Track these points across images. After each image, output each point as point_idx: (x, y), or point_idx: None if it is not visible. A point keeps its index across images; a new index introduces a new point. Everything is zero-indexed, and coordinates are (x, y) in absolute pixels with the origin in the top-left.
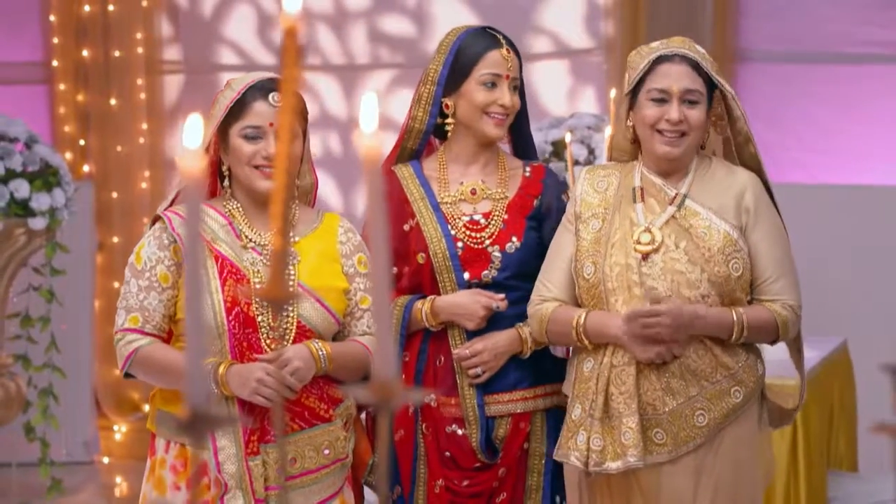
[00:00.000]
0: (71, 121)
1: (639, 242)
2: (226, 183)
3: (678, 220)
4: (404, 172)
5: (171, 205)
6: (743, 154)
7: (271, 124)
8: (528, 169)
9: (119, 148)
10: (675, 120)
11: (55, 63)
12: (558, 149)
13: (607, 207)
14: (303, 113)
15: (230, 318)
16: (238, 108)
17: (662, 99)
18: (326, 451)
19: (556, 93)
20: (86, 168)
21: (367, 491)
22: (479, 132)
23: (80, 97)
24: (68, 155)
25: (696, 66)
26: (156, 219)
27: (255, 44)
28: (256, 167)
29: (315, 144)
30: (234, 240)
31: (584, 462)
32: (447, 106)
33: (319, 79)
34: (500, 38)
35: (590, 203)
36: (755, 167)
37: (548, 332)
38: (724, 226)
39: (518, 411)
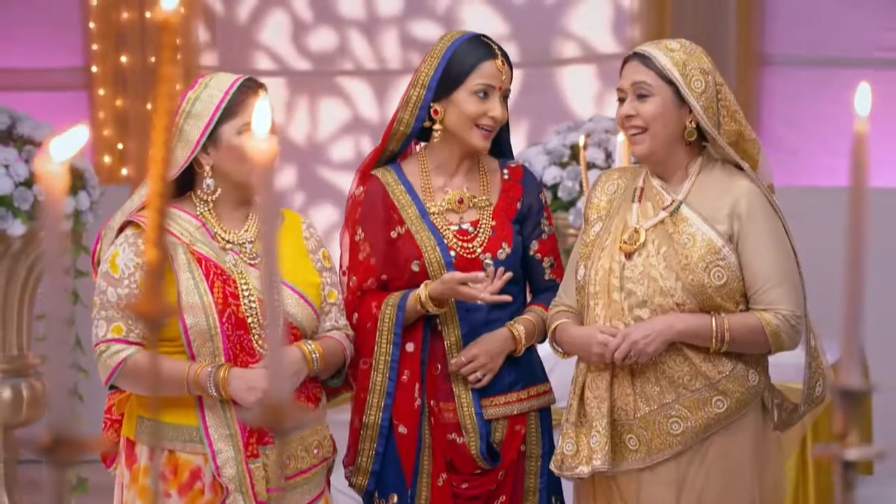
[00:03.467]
0: (110, 125)
1: (625, 242)
2: (207, 181)
3: (666, 226)
4: (388, 178)
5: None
6: (718, 151)
7: None
8: (505, 171)
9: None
10: (623, 115)
11: (95, 69)
12: (576, 152)
13: (610, 211)
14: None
15: (223, 320)
16: (232, 107)
17: (622, 98)
18: (316, 451)
19: (584, 97)
20: (124, 171)
21: (339, 489)
22: (466, 142)
23: (118, 102)
24: (107, 158)
25: (647, 61)
26: (125, 225)
27: (290, 50)
28: None
29: (348, 148)
30: (211, 241)
31: (559, 467)
32: (436, 111)
33: (352, 83)
34: (495, 48)
35: (597, 206)
36: (733, 162)
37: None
38: (710, 233)
39: (515, 413)
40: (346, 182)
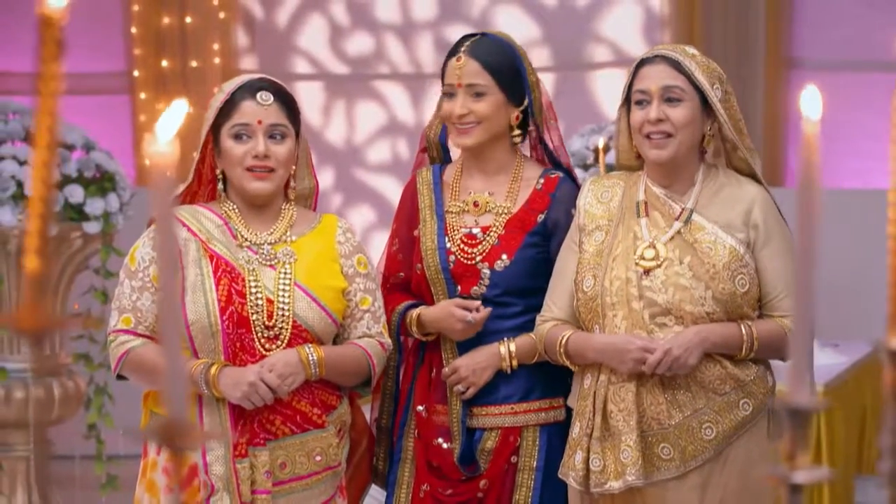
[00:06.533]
0: (151, 129)
1: (642, 258)
2: (220, 186)
3: (683, 235)
4: (422, 178)
5: None
6: (732, 159)
7: (260, 122)
8: (541, 181)
9: (196, 154)
10: (653, 118)
11: (136, 73)
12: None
13: (611, 219)
14: (294, 113)
15: (224, 317)
16: (227, 109)
17: (644, 101)
18: (318, 458)
19: (615, 100)
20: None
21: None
22: (454, 142)
23: (159, 106)
24: (148, 161)
25: (678, 66)
26: (151, 221)
27: (328, 53)
28: (248, 169)
29: (385, 150)
30: (230, 239)
31: (583, 483)
32: None
33: (388, 87)
34: (463, 44)
35: (593, 215)
36: (747, 171)
37: (546, 351)
38: (730, 241)
39: (506, 425)
40: (382, 184)
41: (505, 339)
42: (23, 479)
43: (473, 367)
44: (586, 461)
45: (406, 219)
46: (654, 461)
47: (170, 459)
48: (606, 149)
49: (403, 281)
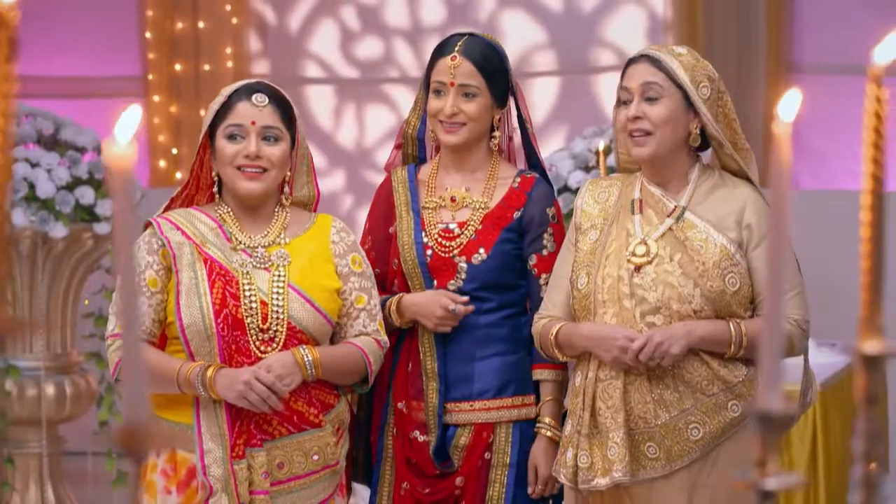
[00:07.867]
0: (164, 131)
1: (634, 254)
2: (216, 189)
3: (675, 232)
4: (398, 176)
5: (164, 210)
6: (720, 157)
7: (253, 123)
8: (517, 179)
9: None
10: (631, 115)
11: (150, 77)
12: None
13: (606, 218)
14: (290, 117)
15: (219, 320)
16: (224, 111)
17: (627, 99)
18: (315, 457)
19: None
20: (178, 175)
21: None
22: (439, 139)
23: (172, 109)
24: (162, 163)
25: (658, 64)
26: (147, 224)
27: (339, 57)
28: (238, 168)
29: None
30: (224, 242)
31: (572, 479)
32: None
33: (397, 90)
34: (455, 43)
35: (590, 214)
36: (737, 170)
37: (541, 347)
38: (721, 239)
39: (479, 421)
40: None
41: (539, 429)
42: (35, 475)
43: (548, 464)
44: (576, 458)
45: (380, 217)
46: (640, 460)
47: (169, 459)
48: (608, 151)
49: (377, 278)
